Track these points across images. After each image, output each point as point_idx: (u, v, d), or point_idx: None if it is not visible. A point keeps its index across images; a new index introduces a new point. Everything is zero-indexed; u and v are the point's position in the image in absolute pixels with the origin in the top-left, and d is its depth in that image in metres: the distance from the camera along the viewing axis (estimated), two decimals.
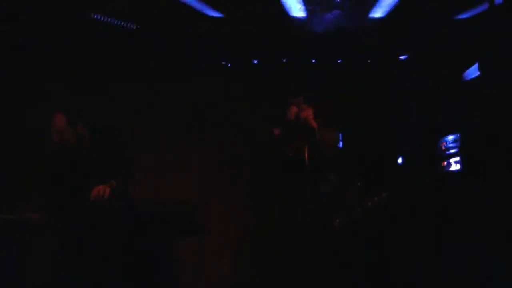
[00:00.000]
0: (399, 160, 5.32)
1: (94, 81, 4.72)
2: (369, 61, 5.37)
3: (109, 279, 3.04)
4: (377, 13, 4.42)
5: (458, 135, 4.73)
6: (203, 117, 5.22)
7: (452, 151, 4.78)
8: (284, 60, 5.38)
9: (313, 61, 5.43)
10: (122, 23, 4.50)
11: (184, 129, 5.17)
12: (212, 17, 4.47)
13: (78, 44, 4.62)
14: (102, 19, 4.43)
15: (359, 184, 4.31)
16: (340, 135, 5.48)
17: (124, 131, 4.02)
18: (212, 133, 5.21)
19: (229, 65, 5.37)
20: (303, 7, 4.26)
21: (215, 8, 4.29)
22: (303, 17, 4.45)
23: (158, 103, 5.05)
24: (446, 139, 4.87)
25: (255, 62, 5.40)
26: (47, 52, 4.60)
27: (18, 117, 4.44)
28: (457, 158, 4.70)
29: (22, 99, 4.49)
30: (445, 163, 4.84)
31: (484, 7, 4.15)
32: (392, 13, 4.40)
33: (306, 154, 3.68)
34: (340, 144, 5.54)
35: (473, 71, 4.66)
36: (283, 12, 4.34)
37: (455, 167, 4.71)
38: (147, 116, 4.97)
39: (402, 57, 5.35)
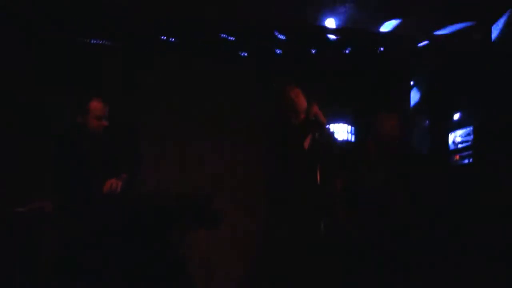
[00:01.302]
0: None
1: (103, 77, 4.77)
2: (379, 51, 5.32)
3: (119, 271, 3.08)
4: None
5: (471, 128, 4.68)
6: (214, 113, 5.23)
7: (465, 144, 4.73)
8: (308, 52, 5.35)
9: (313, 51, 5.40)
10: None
11: (195, 127, 5.18)
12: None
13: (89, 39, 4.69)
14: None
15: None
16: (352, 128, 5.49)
17: (135, 126, 4.08)
18: (224, 130, 5.23)
19: (243, 55, 5.35)
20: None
21: None
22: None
23: (168, 99, 5.08)
24: (458, 132, 4.83)
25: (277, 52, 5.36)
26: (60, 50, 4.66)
27: (29, 110, 4.51)
28: (470, 152, 4.65)
29: (36, 93, 4.56)
30: (458, 156, 4.80)
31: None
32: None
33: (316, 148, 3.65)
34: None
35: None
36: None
37: (467, 160, 4.67)
38: (157, 112, 4.99)
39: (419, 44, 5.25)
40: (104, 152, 3.51)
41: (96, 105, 3.43)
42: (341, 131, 5.49)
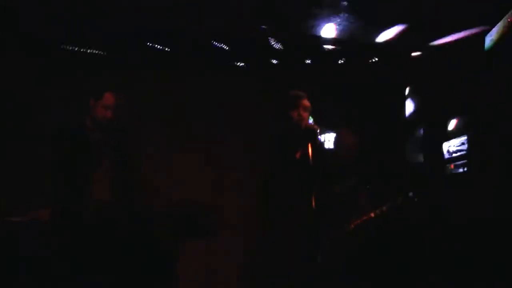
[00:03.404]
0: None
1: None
2: (373, 60, 5.35)
3: (114, 280, 3.08)
4: None
5: (466, 138, 4.71)
6: (211, 118, 5.25)
7: (460, 153, 4.76)
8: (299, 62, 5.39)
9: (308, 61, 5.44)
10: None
11: (193, 131, 5.21)
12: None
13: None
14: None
15: (370, 187, 4.30)
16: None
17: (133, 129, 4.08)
18: (219, 135, 5.25)
19: (241, 65, 5.40)
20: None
21: None
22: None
23: (167, 104, 5.10)
24: (453, 141, 4.86)
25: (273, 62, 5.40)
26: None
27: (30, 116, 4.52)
28: (465, 161, 4.68)
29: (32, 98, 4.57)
30: (453, 165, 4.83)
31: None
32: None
33: (310, 158, 3.65)
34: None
35: None
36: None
37: (462, 169, 4.69)
38: (157, 116, 5.00)
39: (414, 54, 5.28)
40: (108, 146, 3.54)
41: (108, 96, 3.59)
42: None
